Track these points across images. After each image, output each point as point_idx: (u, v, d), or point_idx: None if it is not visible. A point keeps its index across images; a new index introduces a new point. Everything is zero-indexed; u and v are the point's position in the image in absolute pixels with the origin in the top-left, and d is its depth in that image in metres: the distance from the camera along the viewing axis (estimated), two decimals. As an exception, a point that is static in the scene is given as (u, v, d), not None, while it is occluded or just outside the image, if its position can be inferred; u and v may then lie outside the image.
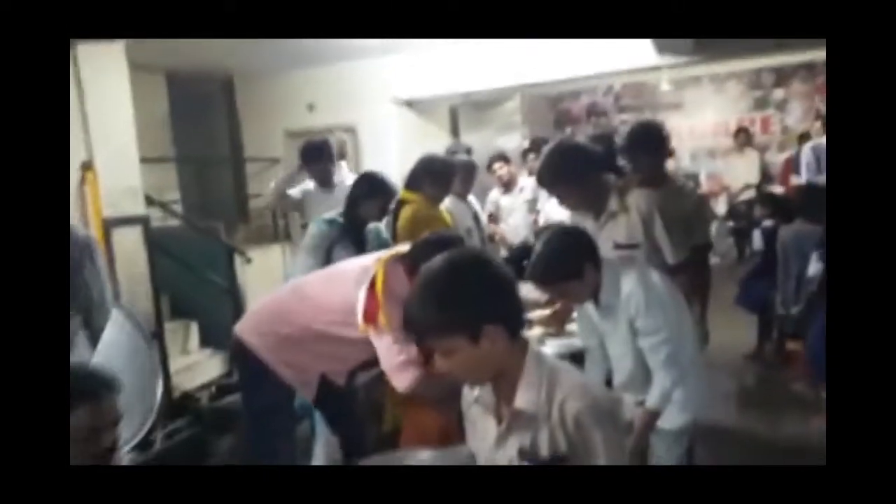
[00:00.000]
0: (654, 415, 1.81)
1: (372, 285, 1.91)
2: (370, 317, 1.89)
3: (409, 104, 5.78)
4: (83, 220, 2.86)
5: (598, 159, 2.34)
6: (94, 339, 2.12)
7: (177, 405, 3.05)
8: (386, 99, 5.57)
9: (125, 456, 2.64)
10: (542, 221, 4.14)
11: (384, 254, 2.09)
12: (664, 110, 7.94)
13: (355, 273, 2.03)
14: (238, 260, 3.93)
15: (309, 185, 3.56)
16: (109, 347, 2.57)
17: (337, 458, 2.43)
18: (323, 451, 2.58)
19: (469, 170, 3.65)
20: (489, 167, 4.55)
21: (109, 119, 3.12)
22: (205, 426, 2.94)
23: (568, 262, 1.77)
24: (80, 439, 1.37)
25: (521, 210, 4.49)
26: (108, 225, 3.00)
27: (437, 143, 5.13)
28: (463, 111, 6.55)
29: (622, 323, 1.84)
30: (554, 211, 4.04)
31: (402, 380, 1.89)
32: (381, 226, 2.98)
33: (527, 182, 4.52)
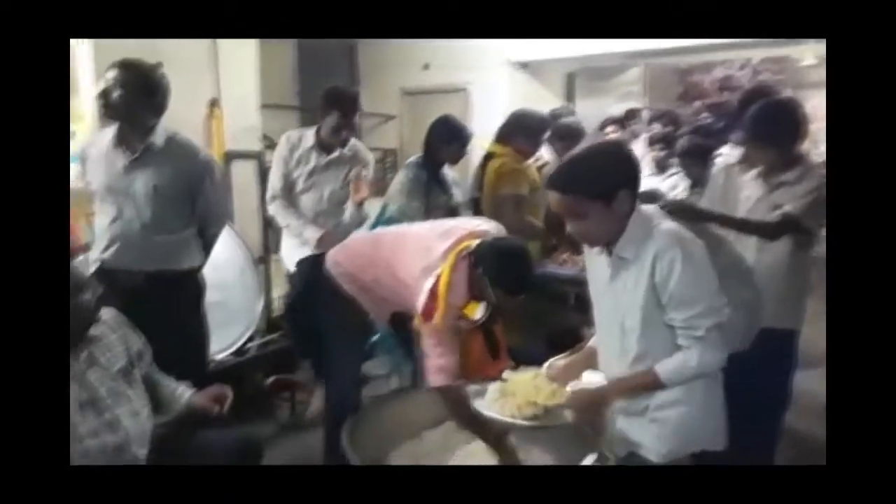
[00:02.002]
0: (654, 381, 1.48)
1: (435, 284, 1.96)
2: (427, 315, 1.97)
3: (524, 66, 5.76)
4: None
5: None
6: (206, 247, 2.43)
7: (272, 323, 3.38)
8: (500, 60, 5.59)
9: (226, 358, 3.01)
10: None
11: (454, 227, 2.15)
12: (807, 88, 7.22)
13: (421, 247, 2.10)
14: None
15: (305, 139, 2.79)
16: (223, 263, 2.93)
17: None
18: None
19: (573, 131, 3.61)
20: (602, 129, 4.47)
21: (237, 64, 3.45)
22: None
23: (602, 176, 1.43)
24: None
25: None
26: (229, 157, 3.37)
27: (549, 108, 5.08)
28: (580, 77, 6.40)
29: (639, 288, 1.47)
30: (643, 182, 3.92)
31: (436, 380, 1.98)
32: (456, 174, 3.09)
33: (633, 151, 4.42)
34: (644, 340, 1.50)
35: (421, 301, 1.98)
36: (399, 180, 3.00)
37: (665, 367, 1.47)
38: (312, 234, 2.66)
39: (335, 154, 2.77)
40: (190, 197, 2.27)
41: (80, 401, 1.61)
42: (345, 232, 2.69)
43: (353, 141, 2.84)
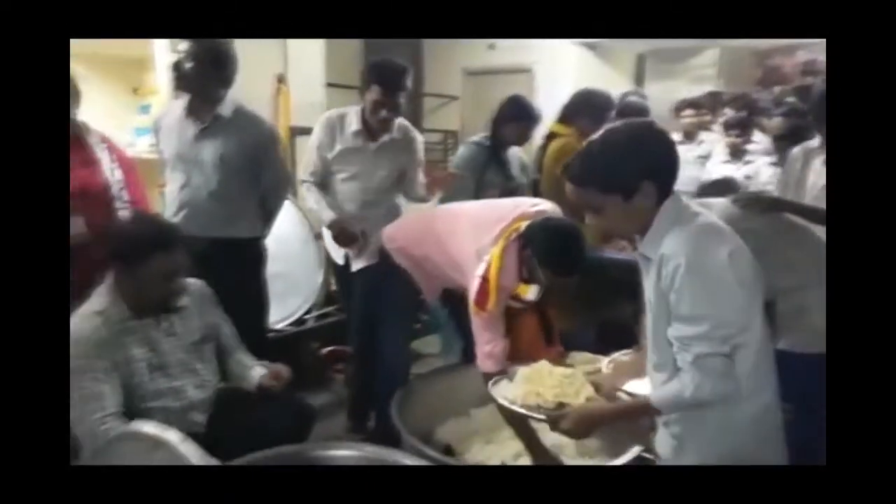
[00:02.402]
0: (645, 408, 1.36)
1: (487, 270, 1.95)
2: (481, 304, 1.96)
3: (592, 47, 5.61)
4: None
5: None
6: (268, 217, 2.50)
7: (330, 296, 3.45)
8: (568, 41, 5.46)
9: (285, 328, 3.10)
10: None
11: (509, 207, 2.11)
12: None
13: (474, 228, 2.08)
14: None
15: (349, 122, 2.52)
16: (285, 236, 3.00)
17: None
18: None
19: (639, 110, 3.50)
20: (677, 112, 4.30)
21: (304, 42, 3.50)
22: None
23: (619, 168, 1.27)
24: (155, 283, 1.65)
25: (691, 164, 4.23)
26: (294, 132, 3.44)
27: (618, 90, 4.92)
28: (650, 59, 6.18)
29: (650, 292, 1.33)
30: (717, 169, 3.77)
31: (485, 365, 1.99)
32: (523, 154, 3.03)
33: (707, 136, 4.24)
34: (656, 349, 1.36)
35: (473, 288, 1.97)
36: (460, 156, 2.99)
37: (657, 395, 1.34)
38: (326, 215, 2.50)
39: (385, 139, 2.52)
40: (254, 167, 2.33)
41: (151, 364, 1.68)
42: (386, 217, 2.55)
43: (399, 121, 2.57)
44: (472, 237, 2.06)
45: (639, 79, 6.21)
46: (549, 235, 1.93)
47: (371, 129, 2.53)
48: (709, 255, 1.24)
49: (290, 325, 3.12)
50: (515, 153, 2.99)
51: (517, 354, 2.07)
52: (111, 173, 2.21)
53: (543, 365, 1.64)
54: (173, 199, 2.36)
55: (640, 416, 1.45)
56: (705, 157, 4.09)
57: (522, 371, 1.64)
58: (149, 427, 1.14)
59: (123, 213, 2.30)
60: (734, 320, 1.24)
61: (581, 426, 1.42)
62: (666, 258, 1.26)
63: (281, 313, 3.02)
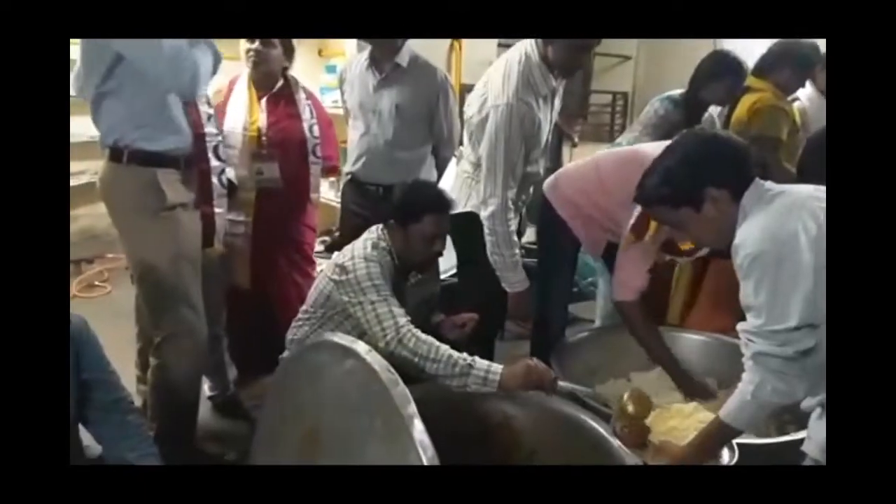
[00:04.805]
0: (723, 429, 1.29)
1: None
2: (639, 231, 1.90)
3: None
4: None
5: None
6: (439, 168, 2.57)
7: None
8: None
9: (447, 279, 3.16)
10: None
11: None
12: None
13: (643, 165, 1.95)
14: (566, 145, 4.17)
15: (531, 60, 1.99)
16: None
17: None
18: (601, 313, 2.71)
19: None
20: None
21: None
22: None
23: (677, 182, 1.29)
24: (421, 245, 1.79)
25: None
26: (463, 90, 3.48)
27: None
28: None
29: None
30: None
31: (616, 293, 2.01)
32: (715, 115, 2.76)
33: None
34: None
35: (634, 216, 1.92)
36: (646, 112, 2.77)
37: (724, 409, 1.29)
38: (518, 281, 2.17)
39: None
40: (427, 115, 2.41)
41: None
42: None
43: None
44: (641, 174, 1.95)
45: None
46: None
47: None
48: (779, 238, 1.15)
49: (451, 276, 3.17)
50: (713, 115, 2.73)
51: (696, 315, 1.94)
52: (310, 130, 2.37)
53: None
54: (353, 147, 2.50)
55: (720, 442, 1.38)
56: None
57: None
58: (339, 338, 1.21)
59: (315, 166, 2.45)
60: (801, 314, 1.14)
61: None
62: (735, 248, 1.21)
63: (446, 263, 3.07)
